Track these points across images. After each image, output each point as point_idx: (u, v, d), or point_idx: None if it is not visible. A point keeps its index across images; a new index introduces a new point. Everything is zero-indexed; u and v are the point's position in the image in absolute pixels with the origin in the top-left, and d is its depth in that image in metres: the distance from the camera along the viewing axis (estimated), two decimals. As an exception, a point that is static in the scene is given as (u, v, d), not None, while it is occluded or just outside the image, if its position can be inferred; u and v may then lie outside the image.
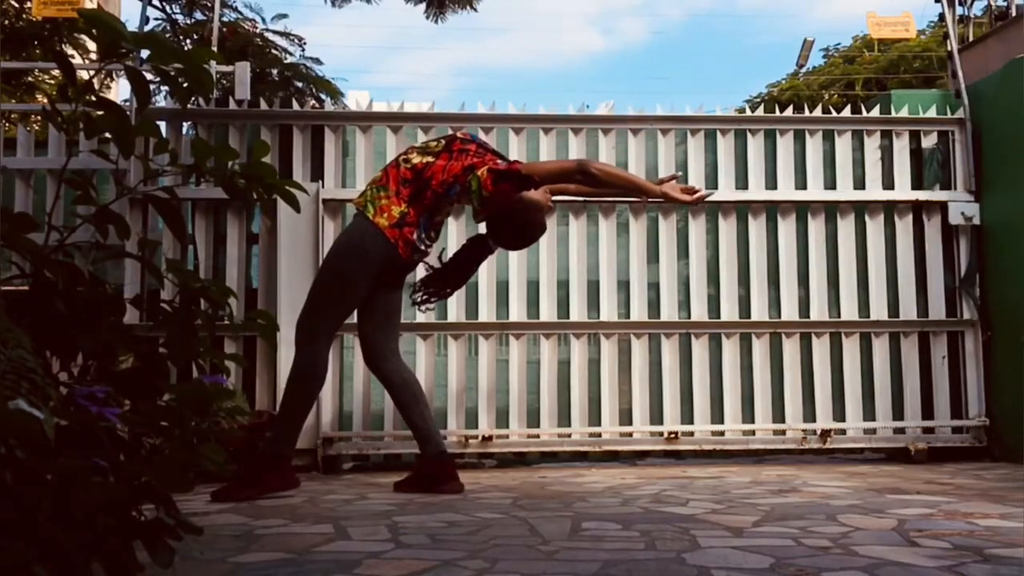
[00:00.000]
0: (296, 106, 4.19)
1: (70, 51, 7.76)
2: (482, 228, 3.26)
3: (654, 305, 4.11)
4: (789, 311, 4.12)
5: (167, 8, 7.49)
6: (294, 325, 3.76)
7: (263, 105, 4.14)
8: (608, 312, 4.07)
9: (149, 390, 1.56)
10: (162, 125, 3.97)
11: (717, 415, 4.07)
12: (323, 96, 7.61)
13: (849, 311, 4.15)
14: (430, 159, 3.02)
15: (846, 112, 4.32)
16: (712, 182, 4.19)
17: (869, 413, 4.10)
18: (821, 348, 4.12)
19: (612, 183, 3.00)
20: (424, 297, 3.15)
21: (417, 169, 3.01)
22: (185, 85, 1.55)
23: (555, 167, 3.07)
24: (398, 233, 2.99)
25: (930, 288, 4.17)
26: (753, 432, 4.06)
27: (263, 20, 7.78)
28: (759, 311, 4.12)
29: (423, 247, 3.08)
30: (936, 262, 4.18)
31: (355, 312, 3.16)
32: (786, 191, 4.18)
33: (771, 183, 4.20)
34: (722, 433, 4.06)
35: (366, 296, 3.11)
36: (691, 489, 3.01)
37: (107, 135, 1.67)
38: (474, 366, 4.02)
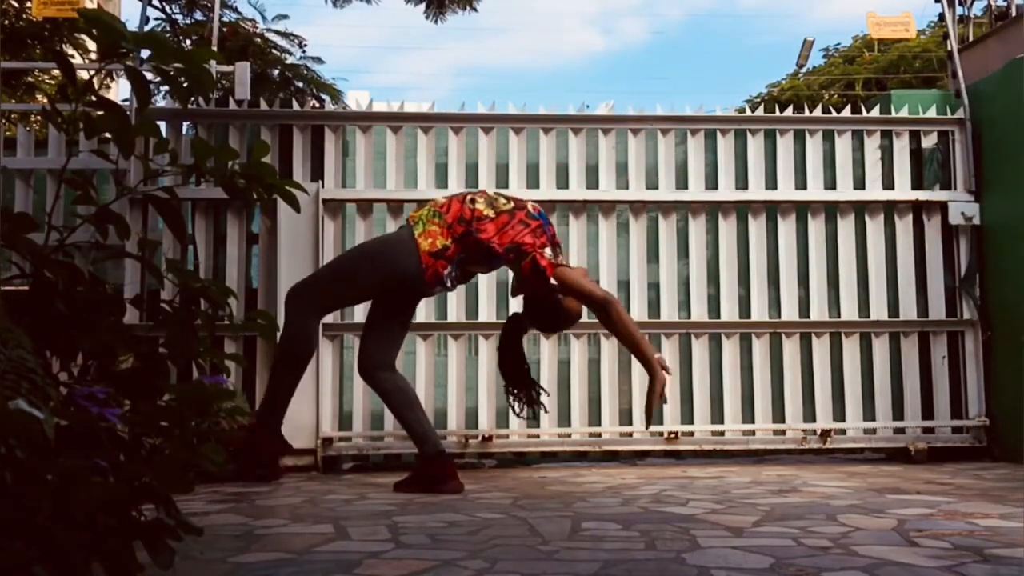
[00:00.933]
0: (296, 106, 4.19)
1: (70, 51, 7.75)
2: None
3: (654, 305, 4.11)
4: (789, 311, 4.12)
5: (167, 8, 7.49)
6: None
7: (263, 105, 4.14)
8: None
9: (149, 390, 1.56)
10: (162, 125, 3.97)
11: (717, 415, 4.07)
12: (323, 96, 7.61)
13: (849, 311, 4.15)
14: (491, 214, 3.06)
15: (846, 112, 4.32)
16: (712, 182, 4.20)
17: (869, 413, 4.10)
18: (821, 348, 4.12)
19: (621, 335, 3.01)
20: (516, 402, 3.26)
21: (476, 216, 3.06)
22: (185, 85, 1.55)
23: (584, 288, 3.03)
24: (432, 262, 3.04)
25: (930, 288, 4.17)
26: (753, 432, 4.06)
27: (264, 19, 7.78)
28: (759, 311, 4.12)
29: (448, 284, 3.13)
30: (936, 262, 4.18)
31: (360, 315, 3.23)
32: (786, 191, 4.18)
33: (771, 183, 4.20)
34: (722, 433, 4.06)
35: (381, 309, 3.19)
36: (691, 489, 3.01)
37: (107, 135, 1.67)
38: (474, 366, 4.02)
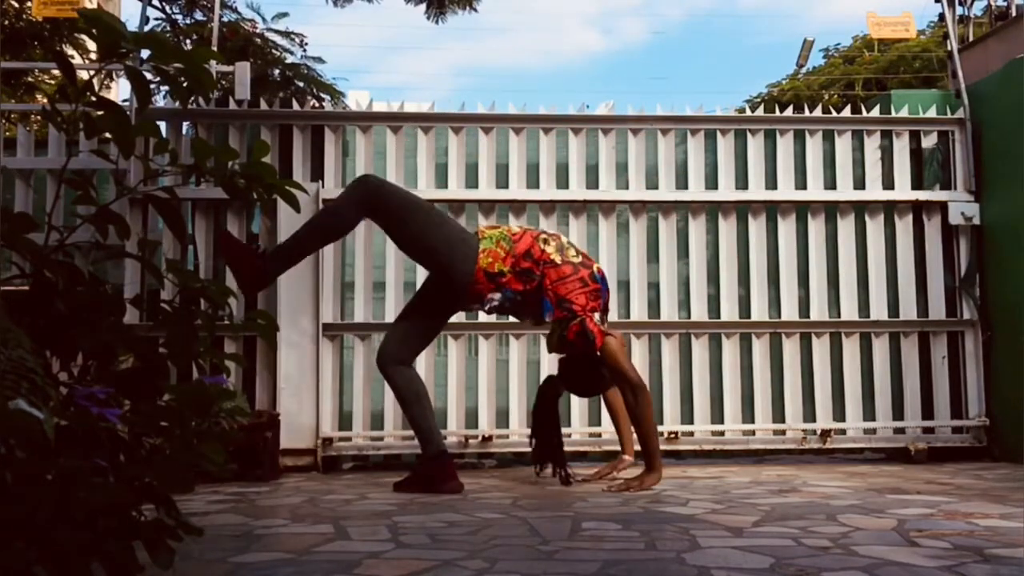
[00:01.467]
0: (296, 106, 4.19)
1: (70, 51, 7.76)
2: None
3: (654, 305, 4.11)
4: (789, 311, 4.12)
5: (167, 8, 7.49)
6: (294, 326, 3.78)
7: (263, 105, 4.14)
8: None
9: (149, 390, 1.56)
10: (162, 125, 3.97)
11: (717, 415, 4.07)
12: (323, 96, 7.60)
13: (849, 311, 4.15)
14: (557, 260, 3.05)
15: (846, 112, 4.32)
16: (712, 182, 4.20)
17: (869, 413, 4.10)
18: (821, 348, 4.12)
19: (639, 420, 3.00)
20: (540, 466, 3.27)
21: (544, 259, 3.04)
22: (185, 85, 1.55)
23: (622, 366, 3.02)
24: (483, 280, 3.02)
25: (930, 288, 4.17)
26: (753, 432, 4.06)
27: (263, 19, 7.78)
28: (759, 311, 4.12)
29: (485, 308, 3.11)
30: (936, 262, 4.18)
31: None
32: (786, 191, 4.18)
33: (771, 183, 4.20)
34: (722, 433, 4.06)
35: (418, 303, 3.21)
36: (691, 489, 3.01)
37: (107, 135, 1.67)
38: (474, 366, 4.02)
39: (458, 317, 3.99)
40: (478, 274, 3.01)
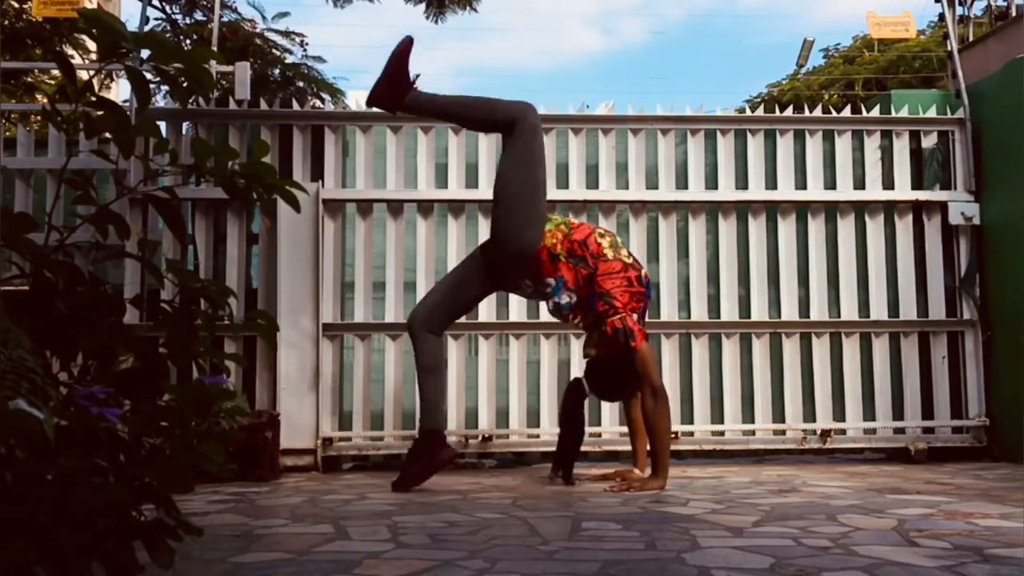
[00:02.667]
0: (296, 106, 4.19)
1: (70, 51, 7.76)
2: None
3: (654, 305, 4.10)
4: (789, 311, 4.12)
5: (167, 8, 7.49)
6: (294, 325, 3.78)
7: (263, 105, 4.14)
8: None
9: (149, 390, 1.56)
10: (162, 125, 3.98)
11: (717, 415, 4.07)
12: (323, 96, 7.60)
13: (849, 311, 4.15)
14: (609, 255, 3.09)
15: (846, 112, 4.32)
16: (712, 182, 4.20)
17: (869, 413, 4.10)
18: (821, 348, 4.12)
19: (654, 425, 3.03)
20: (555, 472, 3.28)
21: (598, 252, 3.09)
22: (185, 85, 1.55)
23: (650, 369, 3.04)
24: (545, 260, 3.07)
25: (930, 288, 4.17)
26: (753, 432, 4.06)
27: (264, 19, 7.77)
28: (759, 311, 4.12)
29: (526, 285, 3.15)
30: (936, 262, 4.18)
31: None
32: (786, 191, 4.18)
33: (771, 183, 4.20)
34: (722, 433, 4.06)
35: (466, 268, 3.22)
36: (691, 489, 3.01)
37: (107, 135, 1.67)
38: (474, 366, 4.02)
39: (458, 317, 3.99)
40: (542, 251, 3.06)
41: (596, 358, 3.20)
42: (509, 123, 3.07)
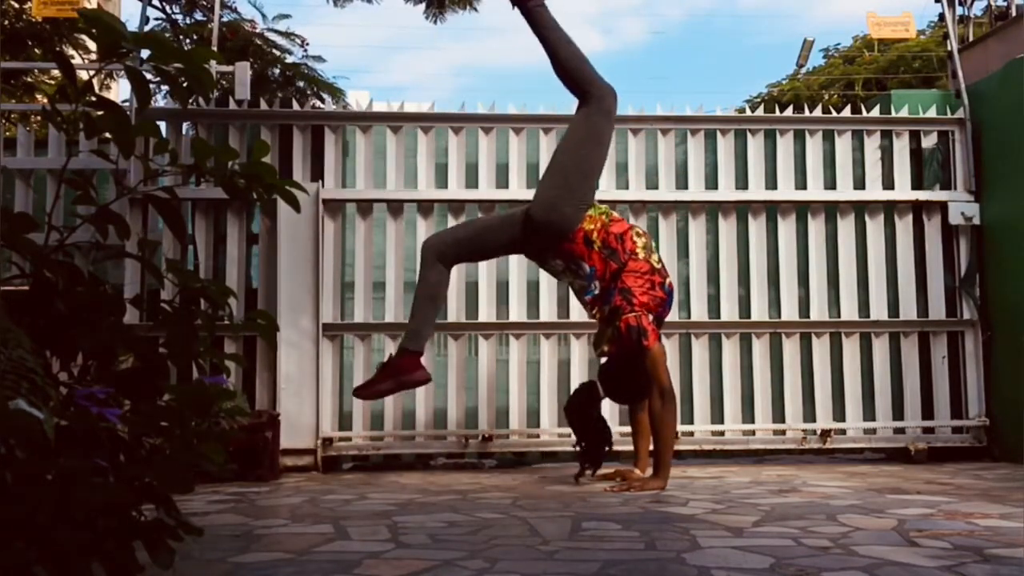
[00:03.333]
0: (296, 106, 4.19)
1: (70, 51, 7.75)
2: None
3: (654, 305, 4.10)
4: (789, 311, 4.12)
5: (167, 8, 7.48)
6: (294, 325, 3.78)
7: (263, 105, 4.14)
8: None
9: (149, 390, 1.56)
10: (162, 125, 3.97)
11: (717, 415, 4.07)
12: (323, 95, 7.59)
13: (849, 311, 4.15)
14: (641, 255, 3.12)
15: (846, 112, 4.32)
16: (712, 182, 4.20)
17: (869, 413, 4.10)
18: (821, 348, 4.12)
19: (660, 426, 3.04)
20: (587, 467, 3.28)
21: (632, 249, 3.11)
22: (185, 85, 1.55)
23: (660, 372, 3.05)
24: (580, 242, 3.08)
25: (930, 288, 4.17)
26: (753, 432, 4.06)
27: (264, 19, 7.77)
28: (759, 311, 4.12)
29: (556, 264, 3.17)
30: (936, 262, 4.18)
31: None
32: (786, 191, 4.18)
33: (771, 183, 4.20)
34: (722, 433, 4.06)
35: (498, 224, 3.24)
36: (691, 489, 3.01)
37: (107, 135, 1.67)
38: (474, 366, 4.02)
39: (458, 317, 4.00)
40: (579, 232, 3.08)
41: (609, 358, 3.21)
42: (592, 94, 3.12)
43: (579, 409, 3.27)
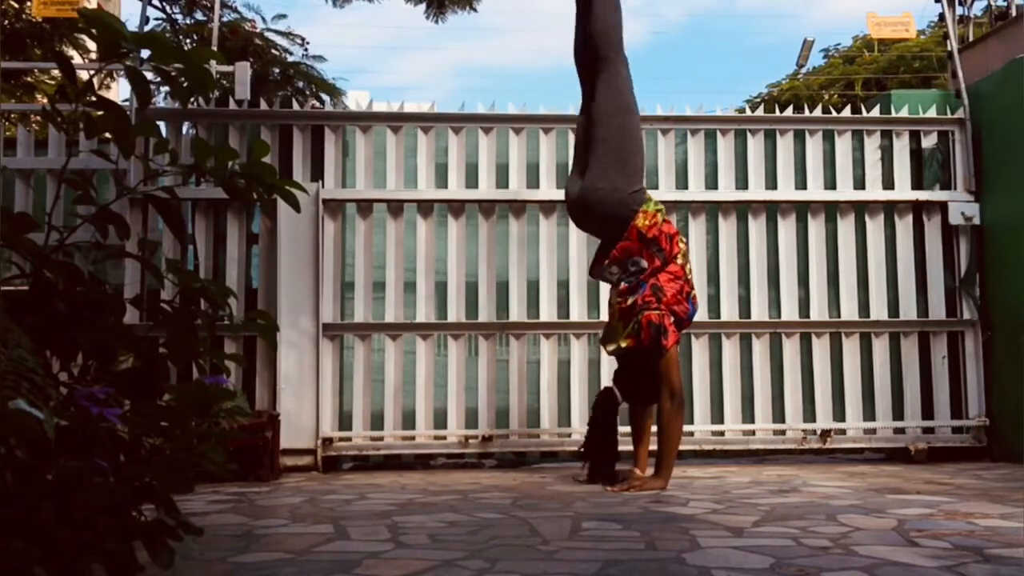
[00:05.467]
0: (296, 106, 4.19)
1: (70, 51, 7.75)
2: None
3: (654, 305, 4.10)
4: (789, 311, 4.12)
5: (167, 8, 7.48)
6: (294, 325, 3.78)
7: (263, 105, 4.13)
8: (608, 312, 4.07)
9: (149, 390, 1.56)
10: (162, 125, 3.97)
11: (717, 415, 4.06)
12: (323, 95, 7.59)
13: (849, 311, 4.15)
14: (679, 261, 3.18)
15: (846, 112, 4.32)
16: (712, 182, 4.20)
17: (869, 413, 4.10)
18: (821, 348, 4.12)
19: (667, 428, 3.07)
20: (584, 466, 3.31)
21: (676, 252, 3.17)
22: (185, 85, 1.55)
23: (673, 375, 3.10)
24: (636, 237, 3.13)
25: (930, 288, 4.17)
26: (753, 432, 4.06)
27: (263, 20, 7.77)
28: (759, 311, 4.12)
29: (611, 273, 3.22)
30: (936, 262, 4.17)
31: None
32: (786, 191, 4.18)
33: (771, 183, 4.20)
34: (722, 433, 4.05)
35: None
36: (691, 489, 3.01)
37: (107, 135, 1.67)
38: (474, 366, 4.02)
39: (458, 317, 3.99)
40: (633, 231, 3.13)
41: (625, 359, 3.22)
42: (611, 59, 3.22)
43: (607, 420, 3.29)
